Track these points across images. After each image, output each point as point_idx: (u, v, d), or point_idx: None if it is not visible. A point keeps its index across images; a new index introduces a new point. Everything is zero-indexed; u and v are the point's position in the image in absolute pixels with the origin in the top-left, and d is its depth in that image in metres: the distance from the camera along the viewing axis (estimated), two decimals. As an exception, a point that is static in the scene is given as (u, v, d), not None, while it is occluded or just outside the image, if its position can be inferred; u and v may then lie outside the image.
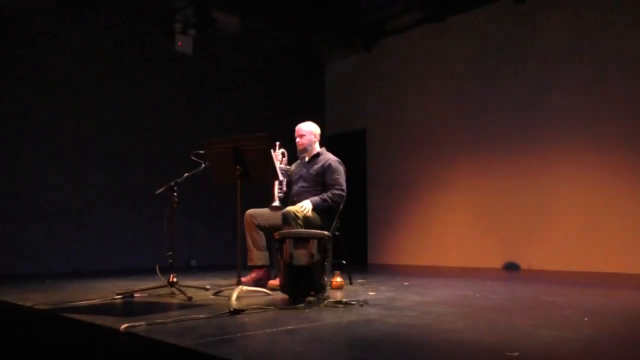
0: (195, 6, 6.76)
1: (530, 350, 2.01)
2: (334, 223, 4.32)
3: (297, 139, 4.48)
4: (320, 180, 4.31)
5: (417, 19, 7.62)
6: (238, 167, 3.52)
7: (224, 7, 7.04)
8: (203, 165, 3.93)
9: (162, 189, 3.84)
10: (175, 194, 3.81)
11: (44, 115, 6.24)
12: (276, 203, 4.19)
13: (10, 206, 5.93)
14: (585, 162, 6.14)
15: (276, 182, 4.19)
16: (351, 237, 7.10)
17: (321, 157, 4.43)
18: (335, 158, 4.42)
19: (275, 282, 4.09)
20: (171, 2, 6.98)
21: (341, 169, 4.37)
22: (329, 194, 4.20)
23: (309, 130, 4.46)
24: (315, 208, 4.11)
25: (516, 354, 1.90)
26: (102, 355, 2.44)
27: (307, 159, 4.51)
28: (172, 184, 3.82)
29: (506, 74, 6.83)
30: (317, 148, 4.50)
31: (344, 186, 4.30)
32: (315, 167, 4.37)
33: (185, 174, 3.92)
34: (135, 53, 6.99)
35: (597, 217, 5.97)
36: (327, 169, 4.31)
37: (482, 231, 6.92)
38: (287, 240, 3.26)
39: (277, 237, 3.35)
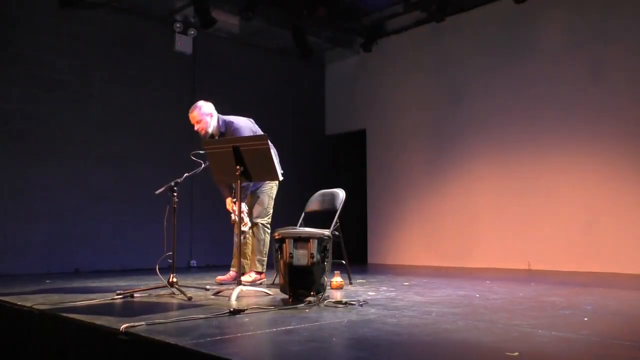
0: (195, 6, 6.76)
1: (530, 350, 2.01)
2: (334, 222, 4.32)
3: (195, 127, 4.32)
4: None
5: (417, 19, 7.62)
6: (238, 167, 3.52)
7: (224, 7, 7.05)
8: (203, 165, 3.93)
9: (162, 189, 3.84)
10: (175, 194, 3.81)
11: (44, 115, 6.24)
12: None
13: (10, 206, 5.93)
14: (586, 162, 6.14)
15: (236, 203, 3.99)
16: (351, 237, 7.11)
17: (228, 131, 4.30)
18: (236, 119, 4.33)
19: (222, 277, 4.40)
20: (171, 2, 6.99)
21: (242, 126, 4.28)
22: None
23: (201, 114, 4.29)
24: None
25: (516, 354, 1.90)
26: (102, 356, 2.44)
27: (216, 138, 4.36)
28: (172, 184, 3.82)
29: (507, 74, 6.83)
30: (216, 124, 4.33)
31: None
32: None
33: (185, 174, 3.92)
34: (135, 53, 6.99)
35: (598, 217, 5.97)
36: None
37: (482, 231, 6.92)
38: (287, 240, 3.26)
39: (277, 237, 3.35)
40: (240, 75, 7.99)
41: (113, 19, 6.82)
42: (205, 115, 4.31)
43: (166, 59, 7.26)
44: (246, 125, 4.38)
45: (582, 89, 6.19)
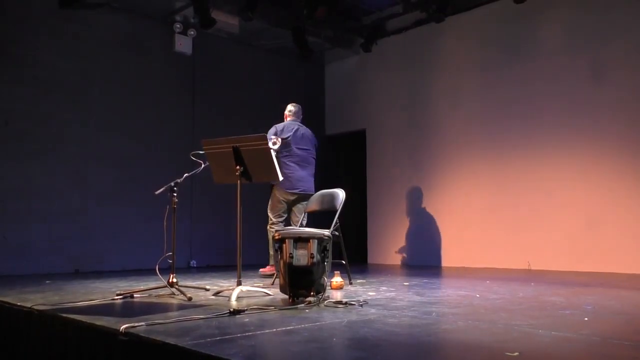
0: (195, 6, 6.75)
1: (530, 350, 2.01)
2: (334, 222, 4.32)
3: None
4: None
5: (417, 19, 7.62)
6: (238, 167, 3.53)
7: (224, 7, 7.04)
8: (203, 165, 3.94)
9: (162, 190, 3.84)
10: (175, 194, 3.81)
11: (45, 115, 6.23)
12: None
13: (10, 206, 5.93)
14: (586, 162, 6.13)
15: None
16: (351, 237, 7.11)
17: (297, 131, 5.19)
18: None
19: (264, 269, 4.85)
20: (171, 2, 6.99)
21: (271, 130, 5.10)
22: None
23: (286, 113, 5.37)
24: None
25: (516, 354, 1.90)
26: (102, 356, 2.44)
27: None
28: (172, 184, 3.82)
29: (506, 74, 6.83)
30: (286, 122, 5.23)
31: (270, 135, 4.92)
32: None
33: (185, 174, 3.93)
34: (135, 53, 6.98)
35: (597, 217, 5.96)
36: None
37: (481, 231, 6.92)
38: (287, 241, 3.27)
39: (277, 237, 3.35)
40: (240, 75, 7.98)
41: (113, 19, 6.82)
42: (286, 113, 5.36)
43: (166, 59, 7.26)
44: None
45: (582, 88, 6.19)
